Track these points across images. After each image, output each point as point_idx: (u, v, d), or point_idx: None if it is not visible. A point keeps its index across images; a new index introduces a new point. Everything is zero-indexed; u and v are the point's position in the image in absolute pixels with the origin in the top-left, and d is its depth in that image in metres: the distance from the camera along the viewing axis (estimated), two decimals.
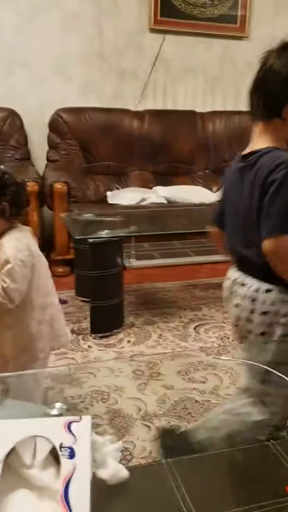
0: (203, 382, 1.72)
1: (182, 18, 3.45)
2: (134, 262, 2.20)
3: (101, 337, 2.09)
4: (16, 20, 3.25)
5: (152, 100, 3.61)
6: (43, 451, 0.54)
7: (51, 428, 0.56)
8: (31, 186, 2.55)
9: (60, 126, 3.25)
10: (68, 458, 0.51)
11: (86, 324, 2.17)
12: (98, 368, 1.79)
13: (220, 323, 2.26)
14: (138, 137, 3.41)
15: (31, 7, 3.25)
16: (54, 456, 0.55)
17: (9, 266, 1.21)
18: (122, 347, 2.03)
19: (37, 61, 3.33)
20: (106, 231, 2.05)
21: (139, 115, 3.44)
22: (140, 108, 3.54)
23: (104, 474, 0.56)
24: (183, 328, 2.21)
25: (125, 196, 3.14)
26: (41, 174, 3.09)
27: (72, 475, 0.49)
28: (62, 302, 1.43)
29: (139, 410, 1.55)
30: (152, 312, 2.39)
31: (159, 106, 3.63)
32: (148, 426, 1.47)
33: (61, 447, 0.53)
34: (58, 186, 2.77)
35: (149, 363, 1.83)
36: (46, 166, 3.24)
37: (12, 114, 3.16)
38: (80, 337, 2.09)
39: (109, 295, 2.08)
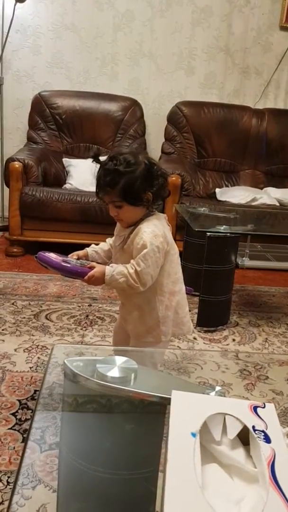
0: None
1: None
2: (247, 262, 2.15)
3: (205, 331, 2.08)
4: (148, 13, 3.31)
5: (273, 99, 3.51)
6: (234, 430, 0.54)
7: (238, 409, 0.56)
8: None
9: (179, 119, 3.28)
10: (265, 442, 0.51)
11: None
12: (204, 361, 1.78)
13: None
14: (254, 135, 3.34)
15: (164, 1, 3.30)
16: (239, 436, 0.55)
17: (145, 251, 1.24)
18: (227, 345, 2.01)
19: (162, 54, 3.38)
20: (224, 226, 2.03)
21: (259, 113, 3.36)
22: (260, 106, 3.46)
23: None
24: None
25: (236, 194, 3.09)
26: None
27: (273, 459, 0.48)
28: (187, 291, 1.43)
29: None
30: (256, 315, 2.34)
31: (279, 105, 3.52)
32: None
33: (254, 429, 0.53)
34: (173, 178, 2.79)
35: (256, 365, 1.79)
36: (160, 157, 3.29)
37: (135, 104, 3.24)
38: None
39: (220, 291, 2.06)
